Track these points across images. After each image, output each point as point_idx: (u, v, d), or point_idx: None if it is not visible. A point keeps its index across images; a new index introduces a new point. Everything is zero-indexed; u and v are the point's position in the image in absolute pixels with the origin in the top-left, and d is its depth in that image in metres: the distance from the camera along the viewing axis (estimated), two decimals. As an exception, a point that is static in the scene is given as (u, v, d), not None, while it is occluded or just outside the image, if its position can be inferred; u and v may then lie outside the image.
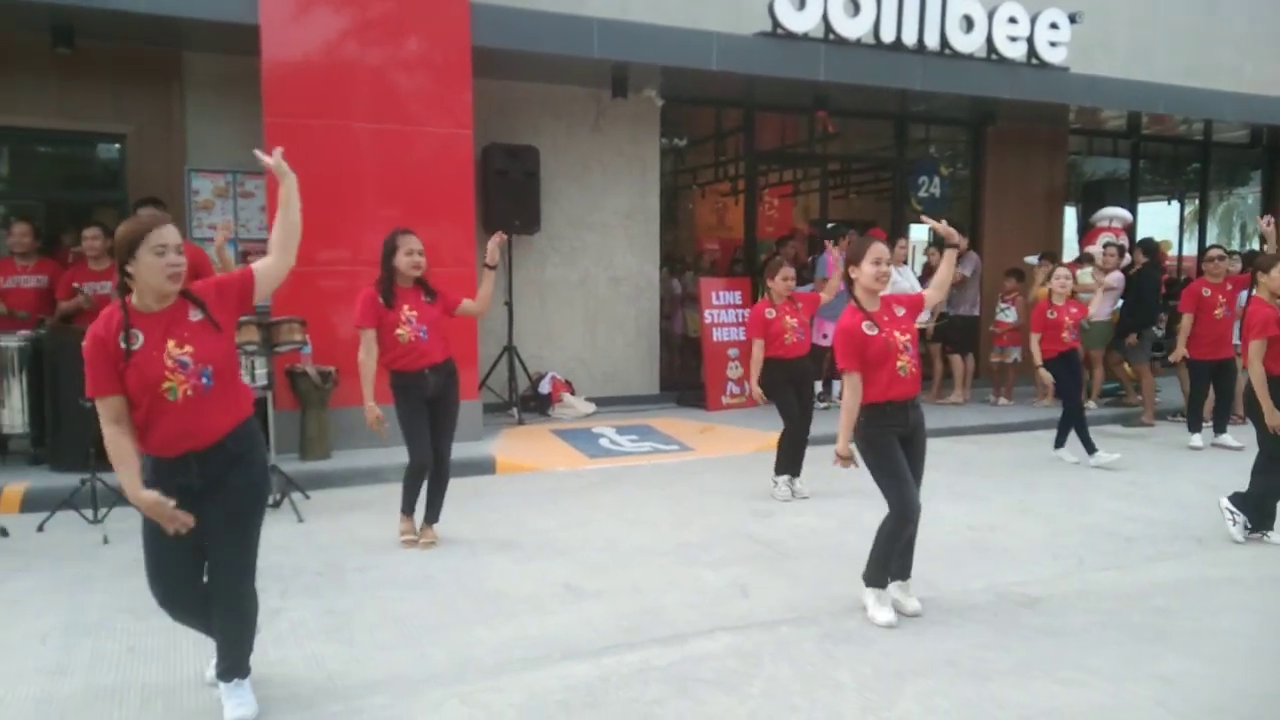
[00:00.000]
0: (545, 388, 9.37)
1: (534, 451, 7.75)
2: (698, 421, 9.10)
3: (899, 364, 4.09)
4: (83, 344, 3.00)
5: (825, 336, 9.66)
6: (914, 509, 4.11)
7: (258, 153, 3.19)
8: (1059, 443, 7.78)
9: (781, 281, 6.36)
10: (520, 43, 7.99)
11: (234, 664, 3.29)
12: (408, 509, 5.36)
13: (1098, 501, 6.43)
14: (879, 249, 4.18)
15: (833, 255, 9.45)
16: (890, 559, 4.22)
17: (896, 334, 4.12)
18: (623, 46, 8.32)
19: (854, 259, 4.18)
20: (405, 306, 5.05)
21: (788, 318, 6.32)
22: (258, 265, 3.23)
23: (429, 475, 5.24)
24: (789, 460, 6.49)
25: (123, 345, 2.93)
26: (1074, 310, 7.52)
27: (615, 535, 5.60)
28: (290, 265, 3.24)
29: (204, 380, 3.01)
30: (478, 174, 8.29)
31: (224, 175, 8.30)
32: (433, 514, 5.37)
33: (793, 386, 6.40)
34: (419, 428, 5.15)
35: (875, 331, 4.09)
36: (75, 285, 6.96)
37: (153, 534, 3.07)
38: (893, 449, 4.11)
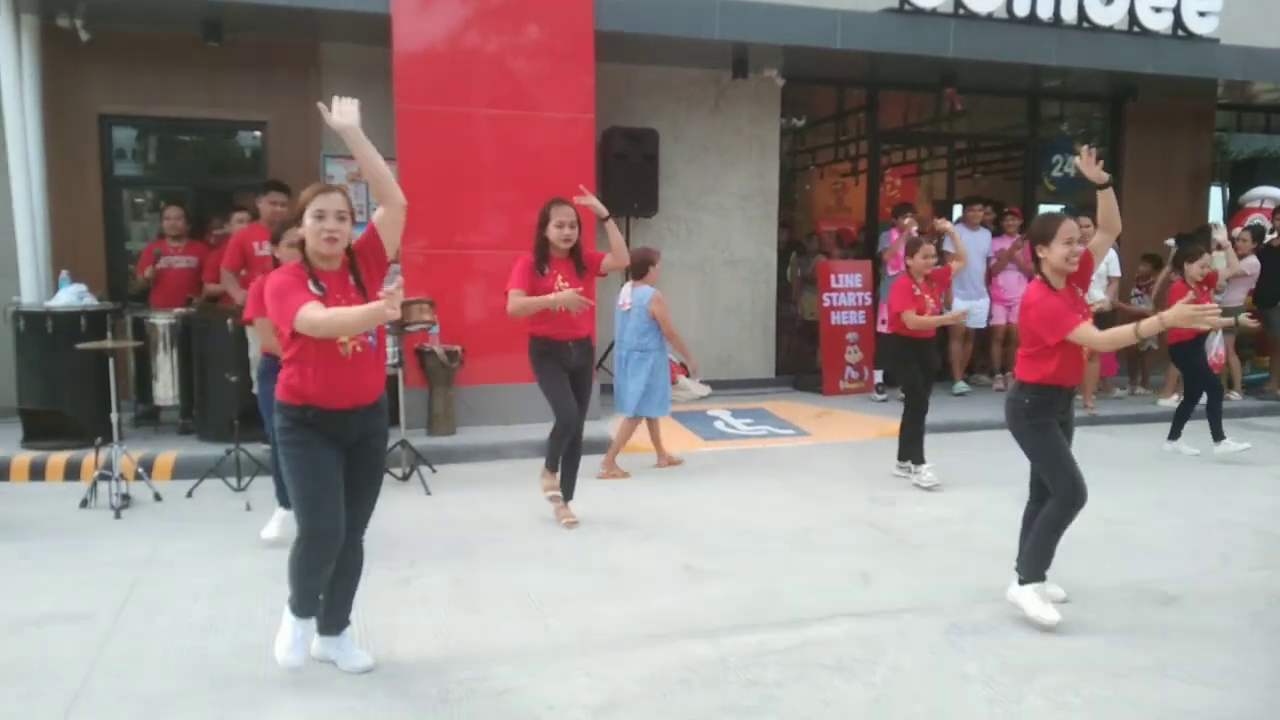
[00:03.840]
0: (661, 370, 9.40)
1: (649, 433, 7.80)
2: (814, 406, 9.00)
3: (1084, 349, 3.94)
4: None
5: (884, 322, 9.42)
6: (1084, 493, 3.92)
7: (320, 105, 3.20)
8: (1174, 433, 7.30)
9: (921, 259, 6.21)
10: (642, 26, 8.01)
11: (346, 614, 3.53)
12: (551, 465, 5.37)
13: (1243, 497, 6.08)
14: (1071, 227, 3.91)
15: (896, 233, 9.27)
16: (1052, 551, 4.03)
17: (1081, 318, 3.91)
18: (745, 27, 8.25)
19: (1043, 238, 3.94)
20: (559, 277, 5.07)
21: (928, 297, 6.21)
22: (375, 217, 3.33)
23: (568, 452, 5.30)
24: (912, 444, 6.37)
25: (313, 290, 3.12)
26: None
27: (732, 518, 5.61)
28: (400, 204, 3.30)
29: (370, 339, 3.25)
30: (598, 157, 8.37)
31: (356, 161, 8.61)
32: (566, 490, 5.40)
33: (921, 369, 6.31)
34: (562, 388, 5.19)
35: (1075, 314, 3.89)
36: (155, 251, 7.53)
37: (310, 478, 3.22)
38: (1058, 433, 3.97)
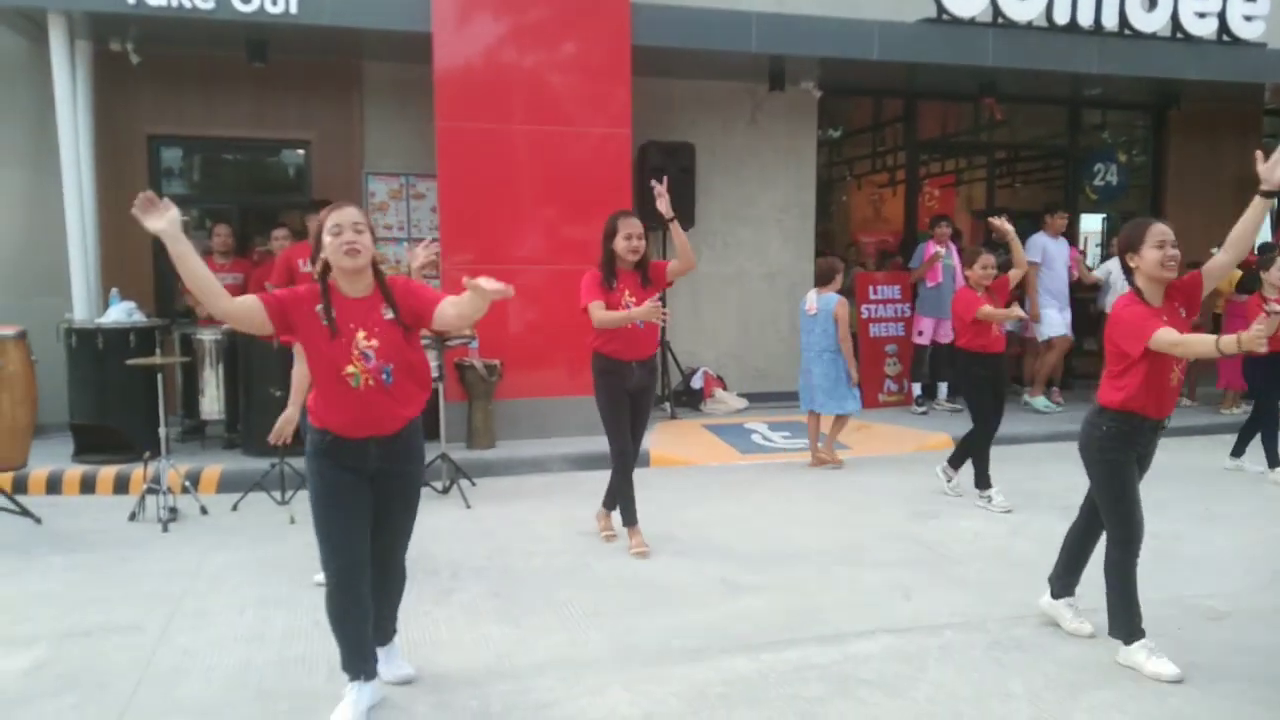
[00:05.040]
0: (697, 383, 9.41)
1: (686, 446, 7.80)
2: (853, 419, 8.92)
3: (1172, 372, 3.59)
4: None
5: (920, 334, 9.34)
6: (1140, 535, 3.69)
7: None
8: (1238, 450, 7.12)
9: (980, 270, 5.93)
10: (679, 40, 8.05)
11: (391, 625, 3.55)
12: (610, 502, 5.29)
13: (1296, 512, 5.94)
14: (1161, 229, 3.57)
15: (933, 245, 9.18)
16: (1131, 597, 3.70)
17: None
18: (782, 40, 8.26)
19: (1131, 244, 3.61)
20: (626, 291, 4.89)
21: (988, 306, 5.89)
22: (443, 304, 3.18)
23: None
24: (978, 467, 6.11)
25: (321, 316, 3.07)
26: None
27: (770, 531, 5.58)
28: (461, 324, 3.24)
29: (384, 377, 3.11)
30: (635, 172, 8.42)
31: (398, 178, 8.75)
32: (632, 516, 5.19)
33: (990, 386, 6.02)
34: (620, 418, 5.06)
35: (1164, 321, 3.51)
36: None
37: (327, 507, 3.17)
38: (1132, 474, 3.71)
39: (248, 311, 3.04)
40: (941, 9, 8.48)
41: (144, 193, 2.90)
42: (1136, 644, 3.68)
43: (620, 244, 4.87)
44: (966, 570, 4.87)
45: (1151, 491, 6.25)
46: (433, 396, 6.33)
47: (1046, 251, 9.22)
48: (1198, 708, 3.35)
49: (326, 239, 3.07)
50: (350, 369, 3.08)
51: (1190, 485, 6.62)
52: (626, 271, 4.94)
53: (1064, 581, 4.07)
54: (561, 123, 7.73)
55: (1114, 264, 8.58)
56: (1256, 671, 3.63)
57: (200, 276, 2.93)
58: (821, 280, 7.18)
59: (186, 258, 2.90)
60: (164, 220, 2.88)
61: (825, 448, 7.28)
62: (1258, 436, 7.02)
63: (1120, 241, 3.73)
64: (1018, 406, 9.49)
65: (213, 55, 8.12)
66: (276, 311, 3.06)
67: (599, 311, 4.83)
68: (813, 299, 7.17)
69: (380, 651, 3.51)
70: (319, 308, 3.08)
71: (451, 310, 3.11)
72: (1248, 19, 9.14)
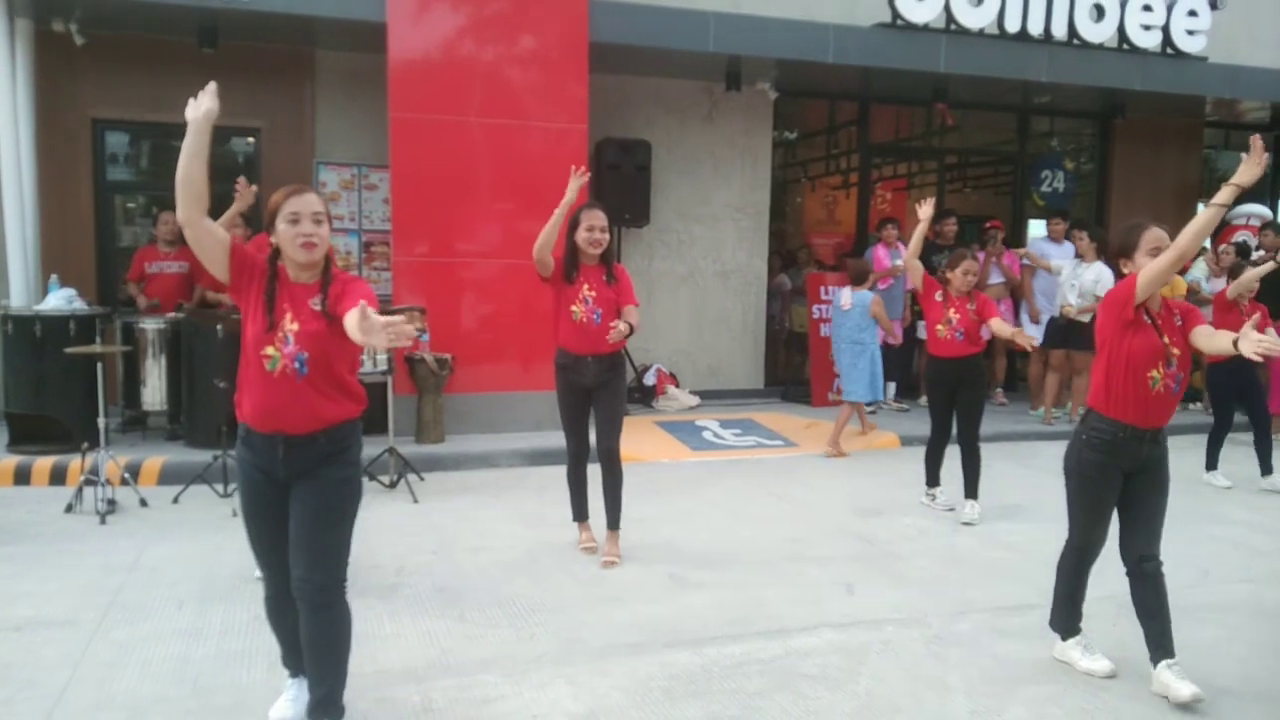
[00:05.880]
0: (650, 380, 9.44)
1: (637, 442, 7.80)
2: (803, 417, 9.02)
3: (1152, 373, 3.41)
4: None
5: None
6: (1093, 552, 3.62)
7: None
8: (1210, 463, 7.01)
9: (962, 275, 5.72)
10: (637, 38, 8.05)
11: (324, 697, 2.99)
12: (577, 513, 5.15)
13: (1227, 511, 6.12)
14: (1156, 235, 3.44)
15: (882, 248, 9.32)
16: (1075, 598, 3.71)
17: (1168, 342, 3.43)
18: (738, 40, 8.30)
19: (1124, 250, 3.51)
20: (586, 285, 4.76)
21: (951, 310, 5.76)
22: (350, 314, 2.69)
23: (603, 476, 4.96)
24: (930, 468, 6.11)
25: (265, 293, 2.90)
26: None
27: (718, 528, 5.62)
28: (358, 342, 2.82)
29: (297, 365, 2.85)
30: (591, 168, 8.39)
31: (350, 168, 8.65)
32: (611, 518, 5.00)
33: (944, 390, 5.92)
34: (572, 416, 4.96)
35: (1150, 321, 3.43)
36: (145, 265, 7.59)
37: (245, 514, 3.03)
38: (1105, 485, 3.53)
39: (214, 243, 2.87)
40: (896, 14, 8.59)
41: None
42: (1072, 640, 3.76)
43: (581, 235, 4.74)
44: (909, 567, 4.94)
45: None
46: (381, 390, 6.31)
47: (1045, 256, 9.27)
48: (1131, 703, 3.44)
49: (281, 225, 2.88)
50: (270, 350, 2.87)
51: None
52: (590, 267, 4.81)
53: (1157, 639, 3.62)
54: (518, 117, 7.69)
55: (1067, 263, 8.70)
56: (1187, 667, 3.72)
57: (194, 180, 2.83)
58: (856, 280, 8.00)
59: (197, 155, 2.82)
60: (202, 110, 2.84)
61: (832, 438, 7.74)
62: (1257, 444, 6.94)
63: (1113, 246, 3.63)
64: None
65: (161, 40, 7.94)
66: (238, 265, 2.90)
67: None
68: (847, 295, 7.96)
69: (293, 684, 3.26)
70: (264, 292, 2.92)
71: (351, 323, 2.67)
72: (1190, 33, 9.39)
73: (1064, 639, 3.79)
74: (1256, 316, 3.25)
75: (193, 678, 3.51)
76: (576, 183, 4.66)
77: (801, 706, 3.36)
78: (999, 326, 5.61)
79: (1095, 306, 8.49)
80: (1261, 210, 10.53)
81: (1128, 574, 3.59)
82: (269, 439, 2.91)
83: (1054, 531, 5.57)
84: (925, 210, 5.70)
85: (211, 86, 2.81)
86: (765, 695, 3.44)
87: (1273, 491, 6.70)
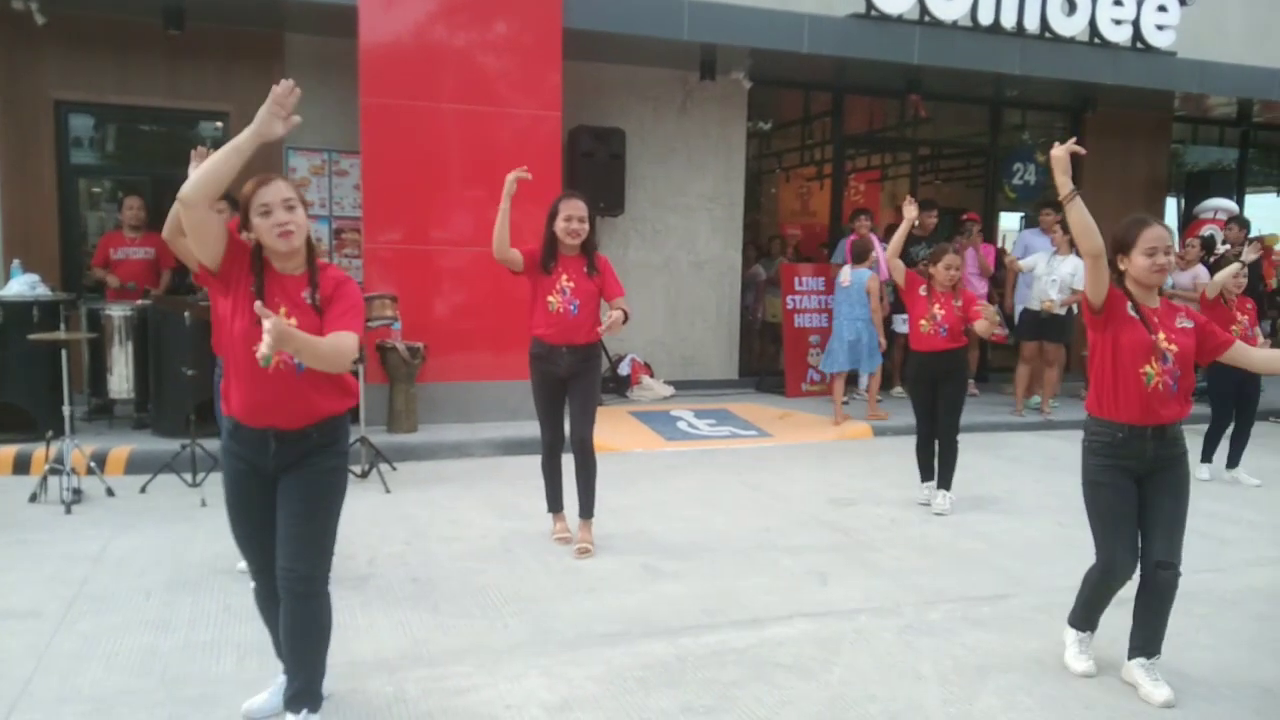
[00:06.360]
0: (625, 369, 9.42)
1: (612, 432, 7.78)
2: (777, 408, 9.05)
3: (1145, 369, 3.34)
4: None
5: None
6: (1119, 564, 3.42)
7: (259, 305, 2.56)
8: (1232, 460, 6.91)
9: (944, 270, 5.66)
10: (611, 25, 8.00)
11: (302, 689, 2.95)
12: (552, 504, 5.14)
13: (1193, 502, 6.17)
14: (1155, 234, 3.36)
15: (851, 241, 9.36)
16: (1098, 605, 3.61)
17: (1163, 338, 3.36)
18: (713, 28, 8.27)
19: (1121, 246, 3.42)
20: (564, 275, 4.69)
21: (936, 306, 5.69)
22: (331, 327, 2.81)
23: (575, 466, 4.93)
24: (921, 463, 6.05)
25: (254, 286, 2.79)
26: (1247, 308, 6.43)
27: (692, 518, 5.62)
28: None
29: (296, 362, 2.78)
30: (565, 156, 8.36)
31: (320, 154, 8.54)
32: (584, 508, 4.98)
33: (927, 385, 5.84)
34: (546, 407, 4.94)
35: (1137, 316, 3.36)
36: (110, 250, 7.48)
37: (230, 506, 2.98)
38: (1116, 492, 3.43)
39: (215, 227, 2.74)
40: (870, 5, 8.60)
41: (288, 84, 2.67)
42: (1074, 633, 3.69)
43: (559, 225, 4.65)
44: (882, 557, 4.97)
45: (1059, 483, 6.51)
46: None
47: (1030, 249, 9.32)
48: (1100, 691, 3.47)
49: (255, 220, 2.78)
50: (262, 349, 2.71)
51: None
52: (569, 257, 4.73)
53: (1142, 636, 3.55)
54: (491, 103, 7.62)
55: (1040, 257, 8.77)
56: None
57: (225, 175, 2.63)
58: (858, 258, 8.36)
59: (239, 155, 2.63)
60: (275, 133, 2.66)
61: (869, 406, 8.45)
62: (1253, 438, 6.95)
63: (1112, 241, 3.49)
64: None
65: (126, 20, 7.79)
66: (231, 254, 2.79)
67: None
68: (847, 273, 8.33)
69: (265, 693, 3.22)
70: (252, 286, 2.81)
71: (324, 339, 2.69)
72: (1160, 28, 9.48)
73: (1070, 624, 3.71)
74: None
75: (160, 669, 3.46)
76: (514, 176, 4.56)
77: (776, 696, 3.37)
78: (983, 328, 5.62)
79: (1077, 298, 8.63)
80: (1228, 205, 10.67)
81: (1141, 577, 3.48)
82: (260, 434, 2.87)
83: (1025, 522, 5.68)
84: (910, 210, 5.67)
85: (294, 119, 2.70)
86: (740, 685, 3.44)
87: (1235, 483, 6.81)
